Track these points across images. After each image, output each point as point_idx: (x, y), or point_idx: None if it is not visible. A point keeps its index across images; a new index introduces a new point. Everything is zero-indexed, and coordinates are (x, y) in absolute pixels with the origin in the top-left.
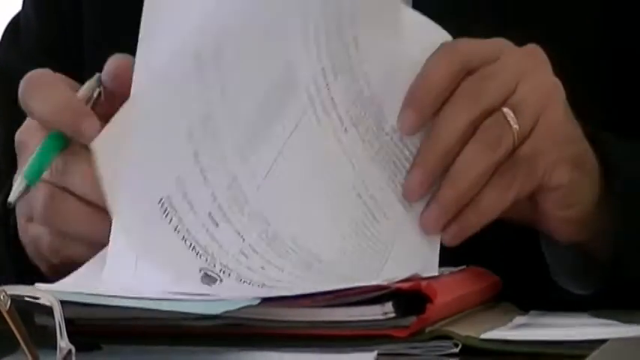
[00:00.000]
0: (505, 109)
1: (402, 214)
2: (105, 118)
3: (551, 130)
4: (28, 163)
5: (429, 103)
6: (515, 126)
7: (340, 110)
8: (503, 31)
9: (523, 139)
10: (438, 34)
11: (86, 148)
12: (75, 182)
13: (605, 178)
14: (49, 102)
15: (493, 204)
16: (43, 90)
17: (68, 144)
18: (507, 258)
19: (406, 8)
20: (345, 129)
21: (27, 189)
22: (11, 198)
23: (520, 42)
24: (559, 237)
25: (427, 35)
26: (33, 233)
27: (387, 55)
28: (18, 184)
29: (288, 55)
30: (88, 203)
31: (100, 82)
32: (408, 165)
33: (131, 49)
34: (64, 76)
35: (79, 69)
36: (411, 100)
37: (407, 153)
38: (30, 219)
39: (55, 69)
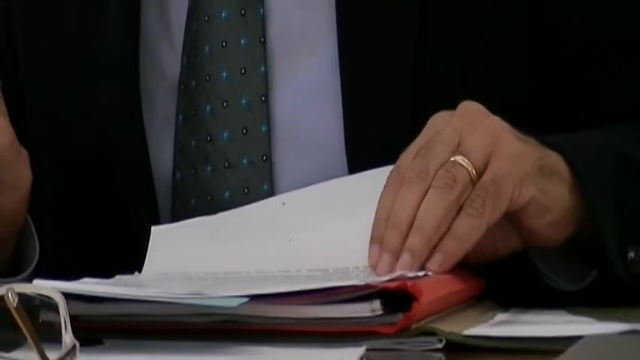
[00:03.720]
0: (453, 158)
1: None
2: None
3: (506, 156)
4: None
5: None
6: (468, 166)
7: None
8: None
9: (482, 169)
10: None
11: None
12: None
13: (570, 171)
14: None
15: (469, 230)
16: None
17: None
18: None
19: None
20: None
21: None
22: None
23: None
24: (550, 241)
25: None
26: None
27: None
28: None
29: None
30: None
31: None
32: None
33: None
34: None
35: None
36: (375, 238)
37: None
38: None
39: None
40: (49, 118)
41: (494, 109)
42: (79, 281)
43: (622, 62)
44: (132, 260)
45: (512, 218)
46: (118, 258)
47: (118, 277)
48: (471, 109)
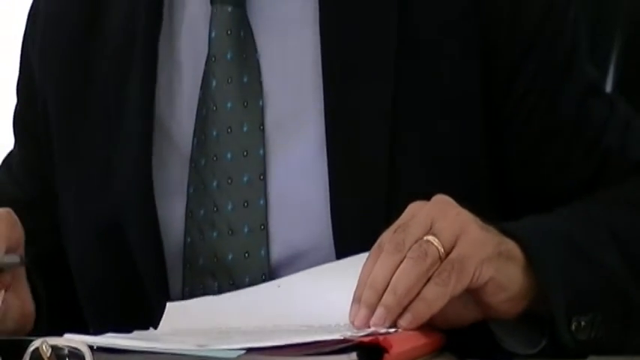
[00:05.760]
0: (426, 237)
1: None
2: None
3: (471, 240)
4: None
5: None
6: (438, 245)
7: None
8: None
9: (449, 249)
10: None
11: None
12: None
13: (525, 256)
14: None
15: (436, 297)
16: None
17: None
18: None
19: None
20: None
21: None
22: None
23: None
24: (506, 315)
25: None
26: None
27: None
28: None
29: None
30: None
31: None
32: None
33: (86, 164)
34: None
35: (53, 181)
36: (356, 298)
37: None
38: None
39: (35, 184)
40: (74, 189)
41: (458, 190)
42: (103, 335)
43: (565, 147)
44: (143, 315)
45: (473, 294)
46: (131, 314)
47: (136, 332)
48: (443, 200)
